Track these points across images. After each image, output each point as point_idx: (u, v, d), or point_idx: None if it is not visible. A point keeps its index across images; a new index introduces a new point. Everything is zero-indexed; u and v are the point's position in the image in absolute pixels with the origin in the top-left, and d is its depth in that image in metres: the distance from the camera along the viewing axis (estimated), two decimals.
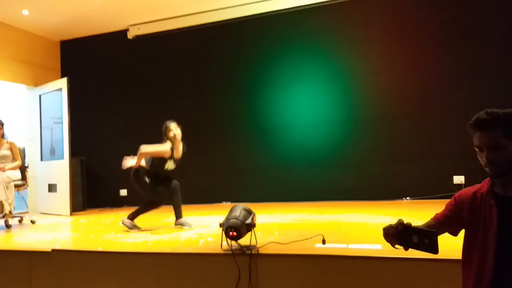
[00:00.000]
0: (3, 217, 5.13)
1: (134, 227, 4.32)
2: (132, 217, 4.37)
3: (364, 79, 6.06)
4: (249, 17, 6.43)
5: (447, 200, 1.80)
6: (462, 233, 1.79)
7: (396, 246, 1.65)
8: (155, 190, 4.34)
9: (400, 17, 5.94)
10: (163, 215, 5.21)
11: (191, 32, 6.77)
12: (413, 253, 2.55)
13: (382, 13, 6.01)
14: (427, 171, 5.71)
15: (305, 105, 6.29)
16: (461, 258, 1.70)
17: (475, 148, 1.64)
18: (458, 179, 5.55)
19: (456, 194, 1.75)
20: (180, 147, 4.34)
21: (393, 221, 1.68)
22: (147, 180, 4.30)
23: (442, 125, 5.70)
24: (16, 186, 5.27)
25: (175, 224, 4.36)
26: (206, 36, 6.78)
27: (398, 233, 1.60)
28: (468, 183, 5.48)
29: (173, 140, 4.25)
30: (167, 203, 4.41)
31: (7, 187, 5.01)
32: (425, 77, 5.80)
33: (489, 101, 5.43)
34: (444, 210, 1.77)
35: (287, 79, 6.38)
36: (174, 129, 4.26)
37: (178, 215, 4.37)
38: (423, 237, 1.53)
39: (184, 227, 4.25)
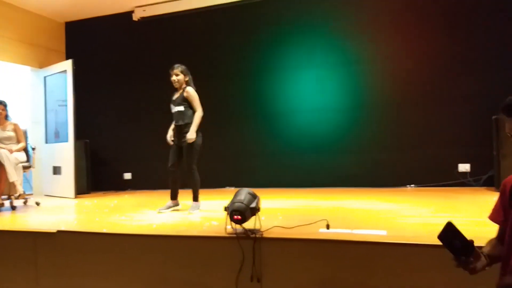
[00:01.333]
0: (9, 198, 5.18)
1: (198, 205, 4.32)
2: (196, 198, 4.34)
3: (370, 66, 6.01)
4: (257, 0, 6.36)
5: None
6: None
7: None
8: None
9: (406, 3, 5.86)
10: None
11: (197, 15, 6.71)
12: (415, 239, 2.57)
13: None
14: (432, 158, 5.69)
15: (311, 91, 6.26)
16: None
17: (508, 134, 1.60)
18: (464, 167, 5.53)
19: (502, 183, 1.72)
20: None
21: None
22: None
23: (447, 112, 5.66)
24: (22, 167, 5.30)
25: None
26: (212, 19, 6.71)
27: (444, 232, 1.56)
28: (473, 171, 5.48)
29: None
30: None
31: (15, 168, 5.04)
32: (431, 64, 5.75)
33: (496, 89, 5.40)
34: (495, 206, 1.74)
35: (293, 63, 6.34)
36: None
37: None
38: (463, 250, 1.52)
39: (189, 211, 4.25)
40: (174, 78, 4.33)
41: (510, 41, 5.39)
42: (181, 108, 4.27)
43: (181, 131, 4.29)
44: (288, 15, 6.37)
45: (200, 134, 4.29)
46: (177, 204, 4.47)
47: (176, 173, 4.40)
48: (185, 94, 4.28)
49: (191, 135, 4.17)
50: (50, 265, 3.34)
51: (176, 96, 4.38)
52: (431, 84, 5.74)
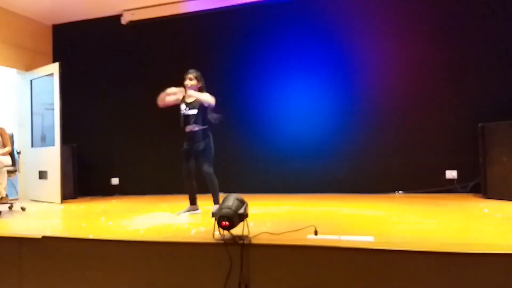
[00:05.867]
0: None
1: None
2: (217, 201, 4.31)
3: (358, 73, 6.07)
4: (246, 5, 6.38)
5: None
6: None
7: None
8: None
9: (394, 12, 5.93)
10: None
11: (186, 19, 6.70)
12: (402, 246, 2.58)
13: (381, 5, 5.98)
14: (419, 165, 5.74)
15: (299, 97, 6.28)
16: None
17: None
18: (451, 174, 5.59)
19: None
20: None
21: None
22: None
23: (435, 120, 5.73)
24: (7, 172, 5.22)
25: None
26: (201, 23, 6.71)
27: None
28: (460, 178, 5.54)
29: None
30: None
31: (0, 172, 4.96)
32: (418, 72, 5.82)
33: (483, 97, 5.48)
34: None
35: (281, 69, 6.36)
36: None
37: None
38: None
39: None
40: (188, 82, 4.34)
41: (496, 50, 5.49)
42: (196, 111, 4.29)
43: (195, 136, 4.29)
44: (277, 20, 6.39)
45: (211, 136, 4.34)
46: (196, 209, 4.45)
47: (193, 181, 4.40)
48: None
49: (196, 94, 4.25)
50: (35, 271, 3.28)
51: (191, 99, 4.36)
52: (418, 92, 5.81)
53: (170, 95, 4.38)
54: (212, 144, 4.35)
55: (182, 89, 4.37)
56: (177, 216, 4.27)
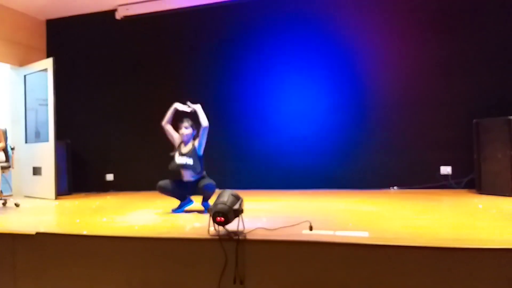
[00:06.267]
0: None
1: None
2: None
3: (353, 70, 6.07)
4: (242, 0, 6.34)
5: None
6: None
7: None
8: None
9: (392, 9, 5.93)
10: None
11: (180, 15, 6.67)
12: (397, 241, 2.59)
13: (375, 1, 5.98)
14: (414, 161, 5.76)
15: (296, 93, 6.27)
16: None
17: None
18: (445, 170, 5.61)
19: None
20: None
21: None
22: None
23: (429, 116, 5.74)
24: (1, 168, 5.18)
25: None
26: (197, 18, 6.67)
27: None
28: (454, 174, 5.56)
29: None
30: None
31: None
32: (414, 69, 5.83)
33: (478, 93, 5.50)
34: None
35: (279, 65, 6.34)
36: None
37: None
38: None
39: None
40: (184, 131, 4.31)
41: (492, 46, 5.50)
42: (196, 160, 4.23)
43: (196, 185, 4.21)
44: (275, 16, 6.37)
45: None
46: (190, 201, 4.42)
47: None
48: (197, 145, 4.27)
49: (205, 121, 4.22)
50: (29, 268, 3.26)
51: (187, 149, 4.30)
52: (413, 88, 5.82)
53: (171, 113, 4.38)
54: (205, 174, 4.31)
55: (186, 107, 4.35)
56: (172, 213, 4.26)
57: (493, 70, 5.48)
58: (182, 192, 4.34)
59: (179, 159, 4.27)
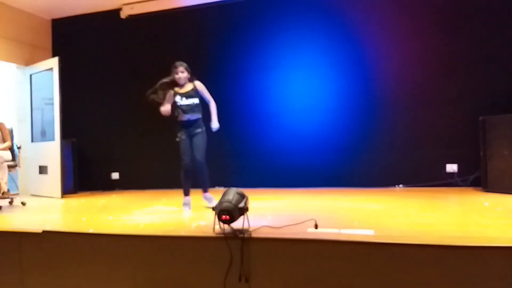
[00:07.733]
0: None
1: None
2: (207, 189, 4.44)
3: (358, 67, 6.03)
4: None
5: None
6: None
7: None
8: None
9: (395, 6, 5.90)
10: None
11: (185, 13, 6.66)
12: (403, 239, 2.58)
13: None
14: (420, 159, 5.73)
15: (300, 91, 6.25)
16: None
17: None
18: (451, 168, 5.58)
19: None
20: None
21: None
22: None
23: (435, 113, 5.70)
24: (8, 167, 5.22)
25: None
26: (201, 17, 6.67)
27: None
28: (460, 171, 5.53)
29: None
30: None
31: (0, 167, 4.96)
32: (420, 65, 5.79)
33: (484, 90, 5.46)
34: None
35: (282, 63, 6.32)
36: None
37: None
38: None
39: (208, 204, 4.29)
40: (180, 75, 4.39)
41: (496, 44, 5.45)
42: (197, 100, 4.38)
43: (194, 124, 4.36)
44: (278, 14, 6.35)
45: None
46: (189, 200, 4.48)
47: (192, 168, 4.40)
48: (198, 87, 4.42)
49: (216, 124, 4.41)
50: (35, 266, 3.28)
51: (186, 89, 4.41)
52: (419, 85, 5.78)
53: (166, 106, 4.39)
54: (206, 136, 4.41)
55: (170, 92, 4.40)
56: (185, 212, 4.28)
57: (499, 67, 5.43)
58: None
59: (180, 101, 4.35)
